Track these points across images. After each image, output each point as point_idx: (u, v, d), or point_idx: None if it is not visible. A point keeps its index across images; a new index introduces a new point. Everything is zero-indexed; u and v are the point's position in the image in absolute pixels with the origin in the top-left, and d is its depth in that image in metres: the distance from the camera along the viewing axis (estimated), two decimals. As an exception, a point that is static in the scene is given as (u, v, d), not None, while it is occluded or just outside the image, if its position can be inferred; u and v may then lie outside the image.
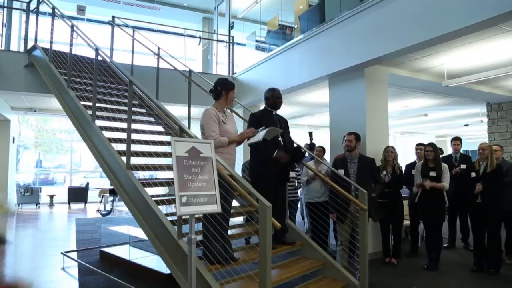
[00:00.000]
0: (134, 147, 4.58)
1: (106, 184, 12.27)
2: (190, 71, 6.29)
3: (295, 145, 4.30)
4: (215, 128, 3.49)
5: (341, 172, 4.53)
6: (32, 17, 7.20)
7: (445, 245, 5.95)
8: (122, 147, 4.38)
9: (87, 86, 5.80)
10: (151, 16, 11.53)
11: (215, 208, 2.42)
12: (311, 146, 6.04)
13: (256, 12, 11.45)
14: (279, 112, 4.26)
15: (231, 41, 9.67)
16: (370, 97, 5.72)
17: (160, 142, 5.23)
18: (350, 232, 4.46)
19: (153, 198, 3.81)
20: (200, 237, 3.39)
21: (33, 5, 7.24)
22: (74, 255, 5.78)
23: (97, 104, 5.07)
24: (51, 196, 12.74)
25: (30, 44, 7.03)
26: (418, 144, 5.94)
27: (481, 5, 3.89)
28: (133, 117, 5.01)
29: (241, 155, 4.99)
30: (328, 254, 4.21)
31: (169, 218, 3.62)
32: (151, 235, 3.72)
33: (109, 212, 10.90)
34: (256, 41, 10.35)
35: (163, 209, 3.89)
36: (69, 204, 12.77)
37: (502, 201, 4.75)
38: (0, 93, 7.75)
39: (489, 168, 4.72)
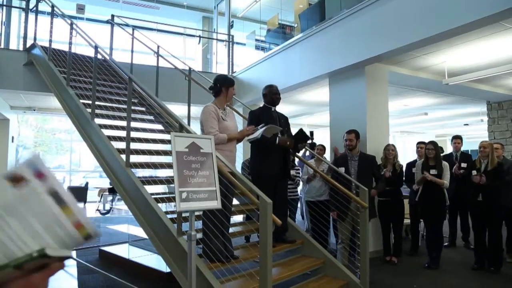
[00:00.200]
0: (134, 145, 4.57)
1: (105, 184, 12.24)
2: (190, 69, 6.27)
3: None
4: (214, 124, 3.46)
5: (342, 170, 4.50)
6: (31, 15, 7.17)
7: (446, 244, 5.93)
8: (122, 145, 4.37)
9: (87, 84, 5.78)
10: (150, 15, 11.50)
11: (215, 204, 2.40)
12: (311, 145, 6.02)
13: (256, 11, 11.44)
14: (278, 109, 4.24)
15: (230, 40, 9.64)
16: (371, 95, 5.70)
17: (160, 140, 5.21)
18: (351, 230, 4.44)
19: (153, 196, 3.79)
20: (200, 235, 3.36)
21: (32, 4, 7.21)
22: (73, 254, 5.75)
23: (97, 103, 5.05)
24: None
25: (29, 43, 7.00)
26: (419, 143, 5.92)
27: (482, 1, 3.88)
28: (133, 115, 4.99)
29: (240, 153, 4.97)
30: (328, 252, 4.19)
31: (169, 216, 3.60)
32: (150, 233, 3.70)
33: (108, 211, 10.87)
34: (256, 40, 10.34)
35: (163, 207, 3.87)
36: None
37: (503, 199, 4.72)
38: (-1, 92, 7.71)
39: (490, 166, 4.70)
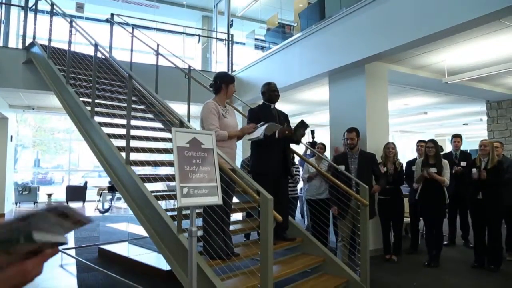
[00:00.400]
0: (134, 143, 4.56)
1: (104, 183, 12.23)
2: (190, 67, 6.26)
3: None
4: (215, 121, 3.45)
5: (342, 168, 4.49)
6: (31, 14, 7.16)
7: (445, 242, 5.94)
8: (122, 143, 4.36)
9: (87, 82, 5.77)
10: (150, 15, 11.49)
11: (216, 200, 2.39)
12: (312, 144, 6.02)
13: (256, 10, 11.43)
14: (278, 108, 4.24)
15: (230, 39, 9.63)
16: (370, 94, 5.70)
17: (161, 138, 5.20)
18: (351, 228, 4.43)
19: (153, 194, 3.78)
20: (200, 232, 3.35)
21: (31, 2, 7.20)
22: (72, 252, 5.74)
23: (97, 101, 5.04)
24: (49, 195, 12.68)
25: (28, 41, 6.99)
26: (419, 141, 5.93)
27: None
28: (133, 113, 4.99)
29: (240, 150, 4.96)
30: (328, 250, 4.19)
31: (169, 214, 3.60)
32: (150, 231, 3.69)
33: (107, 210, 10.85)
34: (256, 39, 10.33)
35: (163, 205, 3.86)
36: (67, 202, 12.71)
37: (502, 198, 4.73)
38: (-2, 91, 7.70)
39: (490, 165, 4.70)
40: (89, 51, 6.16)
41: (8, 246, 0.59)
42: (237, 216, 5.20)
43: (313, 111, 10.47)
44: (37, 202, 12.24)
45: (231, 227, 3.94)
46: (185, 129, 2.71)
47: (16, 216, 0.59)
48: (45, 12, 7.23)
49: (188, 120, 5.94)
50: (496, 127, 8.80)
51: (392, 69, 6.08)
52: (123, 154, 4.12)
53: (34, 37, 6.83)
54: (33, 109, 10.09)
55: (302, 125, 3.95)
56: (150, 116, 5.97)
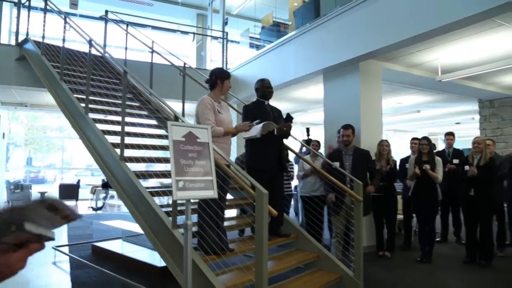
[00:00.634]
0: (128, 140, 4.55)
1: (98, 182, 12.15)
2: (184, 64, 6.25)
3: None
4: (211, 116, 3.46)
5: (336, 164, 4.52)
6: (24, 10, 7.10)
7: (438, 239, 5.99)
8: (116, 139, 4.34)
9: (81, 79, 5.74)
10: (144, 12, 11.44)
11: (212, 193, 2.39)
12: (307, 141, 6.05)
13: (251, 8, 11.44)
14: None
15: (225, 37, 9.63)
16: (365, 91, 5.74)
17: (157, 135, 5.20)
18: (345, 224, 4.46)
19: (148, 190, 3.77)
20: (195, 228, 3.36)
21: (24, -2, 7.15)
22: (65, 250, 5.70)
23: (91, 97, 5.02)
24: (42, 193, 12.58)
25: (21, 38, 6.93)
26: (413, 139, 5.97)
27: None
28: (128, 110, 4.97)
29: (234, 147, 4.98)
30: (322, 246, 4.21)
31: (164, 210, 3.59)
32: (145, 227, 3.68)
33: (100, 207, 10.81)
34: (250, 37, 10.34)
35: (158, 201, 3.85)
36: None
37: (494, 194, 4.80)
38: (-10, 87, 7.63)
39: (483, 162, 4.76)
40: (84, 48, 6.12)
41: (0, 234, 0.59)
42: (232, 213, 5.21)
43: (307, 109, 10.50)
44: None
45: (226, 223, 3.95)
46: (180, 123, 2.71)
47: (9, 206, 0.59)
48: (39, 9, 7.18)
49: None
50: (488, 126, 8.90)
51: (386, 67, 6.12)
52: (118, 151, 4.11)
53: (27, 34, 6.77)
54: (26, 106, 10.01)
55: (289, 118, 3.99)
56: (145, 113, 5.95)
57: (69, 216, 0.68)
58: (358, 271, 3.89)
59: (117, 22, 7.45)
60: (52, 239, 0.66)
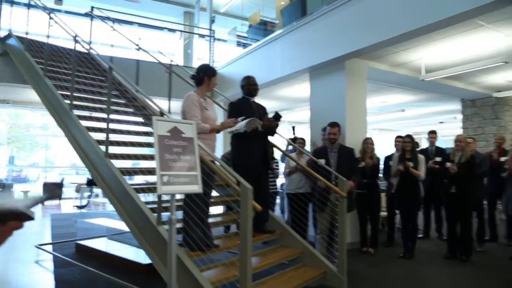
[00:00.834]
0: (114, 137, 4.52)
1: (83, 181, 12.00)
2: (171, 62, 6.24)
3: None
4: (197, 113, 3.47)
5: (322, 161, 4.58)
6: (6, 5, 6.98)
7: (420, 235, 6.10)
8: (102, 136, 4.31)
9: (66, 76, 5.67)
10: (131, 9, 11.34)
11: (196, 188, 2.41)
12: (293, 140, 6.08)
13: (238, 7, 11.45)
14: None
15: (212, 35, 9.62)
16: (350, 90, 5.81)
17: (143, 132, 5.16)
18: (330, 221, 4.51)
19: (133, 187, 3.76)
20: (180, 225, 3.36)
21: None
22: (48, 248, 5.63)
23: (76, 94, 4.97)
24: (25, 192, 12.37)
25: (3, 33, 6.81)
26: (397, 137, 6.06)
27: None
28: (113, 107, 4.94)
29: (220, 144, 4.99)
30: (307, 243, 4.25)
31: (149, 206, 3.58)
32: (130, 224, 3.67)
33: (84, 206, 10.69)
34: (238, 36, 10.35)
35: (144, 198, 3.84)
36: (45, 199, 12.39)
37: (474, 191, 4.93)
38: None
39: (464, 159, 4.87)
40: (69, 44, 6.05)
41: None
42: (218, 210, 5.22)
43: (293, 108, 10.57)
44: (12, 199, 11.91)
45: (212, 220, 3.96)
46: (166, 118, 2.71)
47: None
48: (22, 4, 7.07)
49: (169, 115, 5.92)
50: (470, 125, 9.10)
51: (371, 66, 6.21)
52: (103, 147, 4.08)
53: (10, 29, 6.66)
54: (8, 103, 9.83)
55: (277, 117, 4.04)
56: (132, 110, 5.91)
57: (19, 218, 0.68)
58: (342, 266, 3.95)
59: (103, 18, 7.38)
60: (31, 218, 0.67)
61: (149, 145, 5.01)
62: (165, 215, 3.27)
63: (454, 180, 4.90)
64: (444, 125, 13.58)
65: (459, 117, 9.93)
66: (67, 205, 11.22)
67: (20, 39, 6.22)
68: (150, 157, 4.72)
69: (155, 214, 3.37)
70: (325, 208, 4.50)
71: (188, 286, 2.98)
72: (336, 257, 4.04)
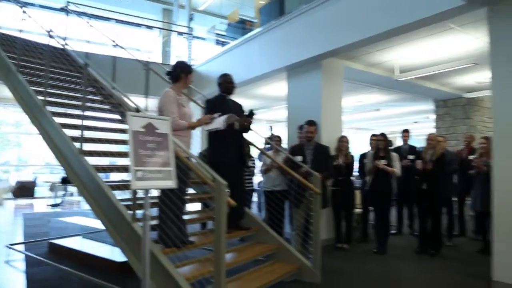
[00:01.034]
0: (89, 134, 4.47)
1: (57, 179, 11.74)
2: (148, 59, 6.19)
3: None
4: (175, 110, 3.48)
5: (299, 158, 4.65)
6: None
7: (394, 232, 6.28)
8: (76, 133, 4.25)
9: (39, 71, 5.55)
10: (108, 5, 11.15)
11: (171, 183, 2.42)
12: (270, 138, 6.14)
13: (217, 5, 11.44)
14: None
15: (190, 32, 9.58)
16: (326, 89, 5.91)
17: (120, 130, 5.12)
18: (305, 217, 4.58)
19: (108, 184, 3.73)
20: (155, 222, 3.36)
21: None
22: (20, 248, 5.50)
23: (51, 90, 4.87)
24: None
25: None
26: (372, 135, 6.20)
27: (428, 1, 4.14)
28: (88, 104, 4.87)
29: (199, 142, 5.00)
30: (283, 239, 4.32)
31: (124, 203, 3.56)
32: (105, 221, 3.63)
33: (58, 204, 10.47)
34: (216, 34, 10.33)
35: (120, 196, 3.81)
36: (15, 199, 12.07)
37: (444, 188, 5.13)
38: None
39: (435, 157, 5.05)
40: (43, 40, 5.91)
41: None
42: (194, 207, 5.22)
43: (271, 106, 10.64)
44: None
45: (188, 216, 3.97)
46: (140, 114, 2.71)
47: None
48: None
49: (146, 112, 5.87)
50: (442, 124, 9.41)
51: (348, 65, 6.32)
52: (77, 144, 4.02)
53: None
54: (-22, 99, 9.52)
55: (251, 114, 4.11)
56: (108, 107, 5.83)
57: None
58: (316, 261, 4.03)
59: (79, 14, 7.24)
60: None
61: (125, 142, 4.96)
62: (140, 212, 3.26)
63: (425, 177, 5.06)
64: (419, 125, 13.94)
65: (432, 117, 10.22)
66: (41, 204, 10.95)
67: (-10, 33, 6.05)
68: (126, 155, 4.68)
69: (131, 212, 3.36)
70: (300, 204, 4.58)
71: (162, 282, 2.98)
72: (311, 253, 4.13)
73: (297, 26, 5.97)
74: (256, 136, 5.22)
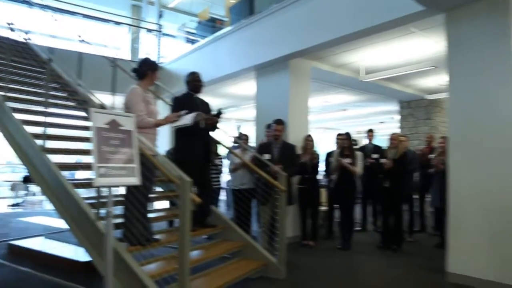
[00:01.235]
0: (53, 131, 4.35)
1: (18, 179, 11.31)
2: (115, 55, 6.08)
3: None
4: (142, 107, 3.46)
5: (267, 156, 4.73)
6: None
7: (358, 228, 6.47)
8: (39, 130, 4.13)
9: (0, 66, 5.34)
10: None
11: (134, 180, 2.42)
12: (239, 137, 6.18)
13: (187, 3, 11.35)
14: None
15: (159, 29, 9.48)
16: (294, 89, 6.01)
17: (85, 127, 4.99)
18: (271, 215, 4.66)
19: (72, 182, 3.66)
20: (120, 220, 3.33)
21: None
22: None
23: (12, 86, 4.70)
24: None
25: None
26: (338, 134, 6.34)
27: (393, 5, 4.31)
28: (52, 100, 4.73)
29: (166, 139, 4.96)
30: (250, 237, 4.37)
31: (89, 202, 3.50)
32: (68, 221, 3.56)
33: (18, 204, 10.10)
34: (187, 32, 10.26)
35: (85, 194, 3.75)
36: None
37: (405, 186, 5.35)
38: None
39: (397, 156, 5.26)
40: (4, 33, 5.69)
41: None
42: (162, 205, 5.19)
43: (239, 105, 10.68)
44: None
45: (154, 214, 3.96)
46: (104, 110, 2.69)
47: None
48: None
49: (113, 110, 5.77)
50: (406, 125, 9.76)
51: (315, 66, 6.45)
52: (40, 142, 3.91)
53: None
54: None
55: (218, 113, 4.18)
56: (72, 104, 5.68)
57: None
58: (281, 258, 4.11)
59: (43, 7, 7.01)
60: None
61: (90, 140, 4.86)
62: (104, 211, 3.22)
63: (388, 175, 5.25)
64: (384, 125, 14.36)
65: (396, 117, 10.57)
66: (1, 204, 10.52)
67: None
68: (91, 153, 4.58)
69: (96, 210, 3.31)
70: (267, 202, 4.65)
71: (127, 280, 2.96)
72: (277, 250, 4.20)
73: (266, 25, 6.04)
74: (224, 135, 5.26)
